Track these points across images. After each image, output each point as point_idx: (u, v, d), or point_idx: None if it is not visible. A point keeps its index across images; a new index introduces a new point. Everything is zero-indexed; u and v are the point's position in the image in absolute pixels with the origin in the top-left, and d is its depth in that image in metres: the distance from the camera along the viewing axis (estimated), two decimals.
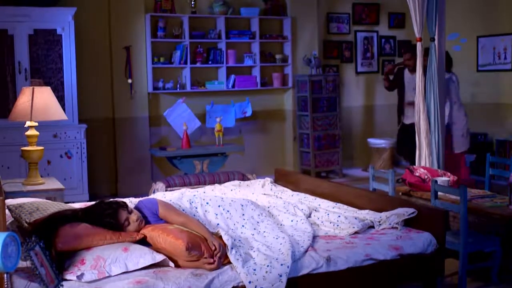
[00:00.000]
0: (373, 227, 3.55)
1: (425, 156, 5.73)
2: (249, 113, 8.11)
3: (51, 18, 6.75)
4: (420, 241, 3.31)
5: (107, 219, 2.95)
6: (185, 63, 7.81)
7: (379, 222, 3.54)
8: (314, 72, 8.47)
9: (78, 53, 6.94)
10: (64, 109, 6.72)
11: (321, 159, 8.53)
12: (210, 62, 8.02)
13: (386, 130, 9.48)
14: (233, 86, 8.14)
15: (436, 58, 5.78)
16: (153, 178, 7.65)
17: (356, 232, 3.44)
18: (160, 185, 6.33)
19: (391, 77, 7.85)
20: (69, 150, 6.85)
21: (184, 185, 6.34)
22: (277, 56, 8.49)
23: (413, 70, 7.02)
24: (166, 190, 6.40)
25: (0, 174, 6.43)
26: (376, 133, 9.46)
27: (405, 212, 3.51)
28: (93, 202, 4.15)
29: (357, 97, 9.42)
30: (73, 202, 6.77)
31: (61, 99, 6.79)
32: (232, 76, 8.15)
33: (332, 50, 9.15)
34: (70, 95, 6.87)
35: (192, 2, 7.91)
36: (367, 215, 3.65)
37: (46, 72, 6.76)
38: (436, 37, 5.86)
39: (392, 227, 3.49)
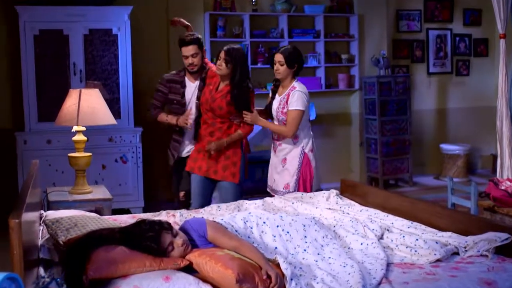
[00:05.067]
0: (457, 253, 3.03)
1: (508, 167, 5.22)
2: (313, 116, 7.68)
3: (107, 18, 6.51)
4: None
5: (147, 242, 2.55)
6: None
7: (465, 248, 3.01)
8: (382, 73, 7.99)
9: (134, 53, 6.68)
10: (119, 112, 6.52)
11: (390, 166, 8.02)
12: None
13: (461, 135, 8.88)
14: None
15: None
16: None
17: (437, 260, 2.93)
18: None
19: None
20: (124, 155, 6.60)
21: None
22: (343, 56, 8.06)
23: (195, 73, 4.78)
24: None
25: (53, 179, 6.27)
26: (449, 139, 8.86)
27: (497, 237, 2.96)
28: (140, 216, 3.82)
29: (429, 100, 8.84)
30: (128, 209, 6.59)
31: (116, 101, 6.56)
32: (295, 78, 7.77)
33: (402, 50, 8.61)
34: (126, 97, 6.62)
35: (253, 0, 7.57)
36: (450, 238, 3.12)
37: (101, 74, 6.53)
38: None
39: (481, 255, 2.96)
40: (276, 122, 4.59)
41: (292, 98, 4.45)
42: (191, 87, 4.82)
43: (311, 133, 4.62)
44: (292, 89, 4.50)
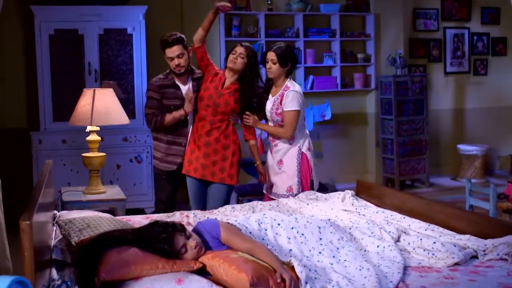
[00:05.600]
0: (476, 257, 2.96)
1: None
2: (328, 116, 7.62)
3: (122, 17, 6.50)
4: None
5: (160, 244, 2.51)
6: (261, 63, 7.39)
7: (484, 251, 2.94)
8: (399, 72, 7.91)
9: (149, 53, 6.65)
10: (134, 112, 6.51)
11: (406, 166, 7.93)
12: None
13: (478, 135, 8.78)
14: (311, 88, 7.70)
15: None
16: None
17: (456, 264, 2.87)
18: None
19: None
20: (139, 155, 6.59)
21: (256, 193, 5.97)
22: (359, 56, 7.99)
23: (182, 75, 4.54)
24: (238, 198, 6.07)
25: (68, 179, 6.27)
26: (467, 139, 8.76)
27: None
28: (154, 216, 3.79)
29: (446, 100, 8.75)
30: (142, 209, 6.57)
31: (131, 101, 6.55)
32: (311, 77, 7.73)
33: (419, 49, 8.53)
34: (141, 98, 6.58)
35: None
36: (468, 241, 3.06)
37: (116, 73, 6.52)
38: None
39: (501, 259, 2.90)
40: (270, 123, 4.48)
41: (287, 98, 4.30)
42: (184, 90, 4.55)
43: (307, 132, 4.50)
44: (285, 89, 4.35)
